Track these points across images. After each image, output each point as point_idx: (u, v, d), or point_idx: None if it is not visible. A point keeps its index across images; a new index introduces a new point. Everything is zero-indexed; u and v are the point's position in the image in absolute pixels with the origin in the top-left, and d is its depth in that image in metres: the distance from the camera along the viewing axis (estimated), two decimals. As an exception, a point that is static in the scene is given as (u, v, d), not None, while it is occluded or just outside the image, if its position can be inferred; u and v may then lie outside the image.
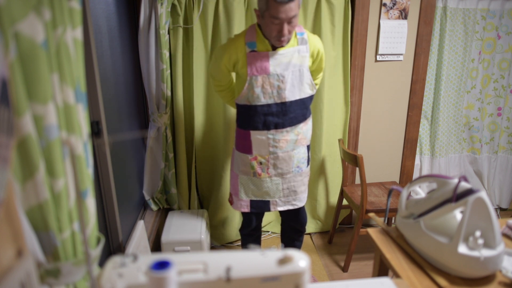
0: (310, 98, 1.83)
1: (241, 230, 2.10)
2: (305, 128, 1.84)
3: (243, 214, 2.01)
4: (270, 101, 1.72)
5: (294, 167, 1.86)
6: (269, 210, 1.92)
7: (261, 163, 1.82)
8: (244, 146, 1.83)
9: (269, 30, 1.61)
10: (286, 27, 1.59)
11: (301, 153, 1.86)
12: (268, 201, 1.90)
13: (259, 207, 1.92)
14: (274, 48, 1.70)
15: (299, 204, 1.94)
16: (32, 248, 0.73)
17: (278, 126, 1.76)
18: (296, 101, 1.75)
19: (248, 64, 1.69)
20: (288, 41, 1.69)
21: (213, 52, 1.79)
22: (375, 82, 2.52)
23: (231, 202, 2.00)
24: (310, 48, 1.75)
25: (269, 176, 1.85)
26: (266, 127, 1.76)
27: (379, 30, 2.40)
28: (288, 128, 1.78)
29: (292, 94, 1.73)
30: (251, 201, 1.91)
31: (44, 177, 0.71)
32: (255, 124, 1.77)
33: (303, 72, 1.74)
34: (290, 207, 1.92)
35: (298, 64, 1.72)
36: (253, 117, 1.76)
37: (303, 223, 2.05)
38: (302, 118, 1.81)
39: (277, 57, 1.69)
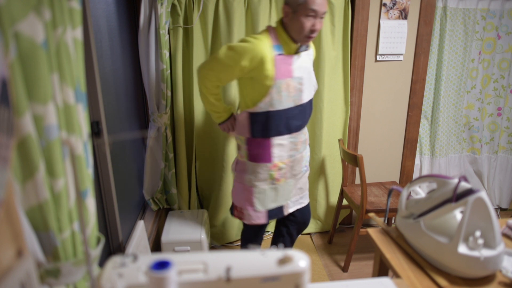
0: None
1: (248, 240, 2.02)
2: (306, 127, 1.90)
3: (253, 227, 1.93)
4: (291, 104, 1.71)
5: (303, 166, 1.91)
6: (283, 215, 1.91)
7: (280, 169, 1.80)
8: (263, 155, 1.76)
9: (300, 27, 1.58)
10: (318, 22, 1.60)
11: (308, 152, 1.94)
12: (282, 206, 1.90)
13: (275, 215, 1.88)
14: (296, 51, 1.69)
15: (306, 201, 1.99)
16: (32, 248, 0.73)
17: (298, 128, 1.78)
18: (309, 101, 1.81)
19: (276, 67, 1.63)
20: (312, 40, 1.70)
21: (222, 53, 1.63)
22: (375, 82, 2.52)
23: (240, 217, 1.88)
24: (314, 52, 1.85)
25: (285, 179, 1.84)
26: (289, 130, 1.75)
27: (379, 30, 2.40)
28: (304, 129, 1.84)
29: (306, 95, 1.77)
30: (269, 211, 1.85)
31: (44, 177, 0.70)
32: (278, 129, 1.72)
33: (311, 74, 1.80)
34: (299, 206, 1.97)
35: (309, 66, 1.77)
36: (276, 123, 1.71)
37: (309, 218, 2.07)
38: (310, 117, 1.88)
39: (299, 60, 1.70)
